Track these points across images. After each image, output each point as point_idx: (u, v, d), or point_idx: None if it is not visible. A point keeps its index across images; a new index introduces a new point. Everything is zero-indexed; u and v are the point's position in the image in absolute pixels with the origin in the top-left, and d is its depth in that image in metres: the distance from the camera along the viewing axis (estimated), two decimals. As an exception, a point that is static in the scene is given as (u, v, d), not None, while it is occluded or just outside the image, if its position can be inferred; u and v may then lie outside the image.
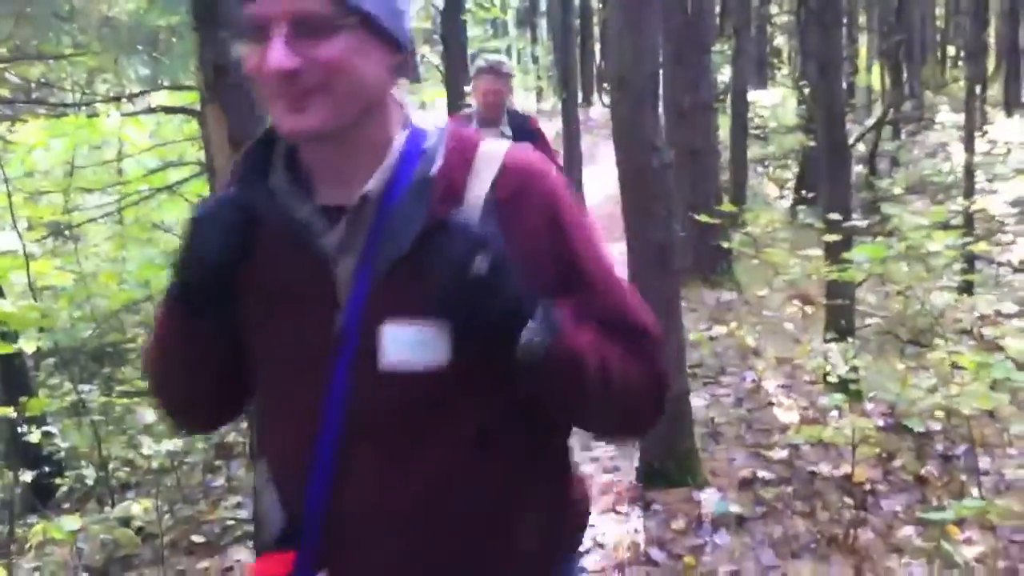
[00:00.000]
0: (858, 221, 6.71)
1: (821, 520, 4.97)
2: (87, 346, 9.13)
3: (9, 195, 5.74)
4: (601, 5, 31.68)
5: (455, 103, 12.22)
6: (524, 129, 6.22)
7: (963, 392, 5.14)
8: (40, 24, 5.87)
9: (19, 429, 6.65)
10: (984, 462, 5.60)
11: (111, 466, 6.66)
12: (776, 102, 21.35)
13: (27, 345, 6.61)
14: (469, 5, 16.30)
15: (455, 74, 12.38)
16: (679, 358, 5.49)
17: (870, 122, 16.96)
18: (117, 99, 8.37)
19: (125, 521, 5.85)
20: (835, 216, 6.20)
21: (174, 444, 5.95)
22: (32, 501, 7.52)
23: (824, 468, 5.62)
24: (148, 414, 5.89)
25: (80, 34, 6.52)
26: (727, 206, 8.42)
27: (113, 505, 6.16)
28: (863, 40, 25.30)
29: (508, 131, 6.15)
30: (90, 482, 6.89)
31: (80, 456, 7.18)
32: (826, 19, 6.80)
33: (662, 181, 5.23)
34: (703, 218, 7.72)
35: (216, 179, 3.25)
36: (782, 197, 17.19)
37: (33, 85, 10.86)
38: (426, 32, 16.83)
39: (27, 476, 7.42)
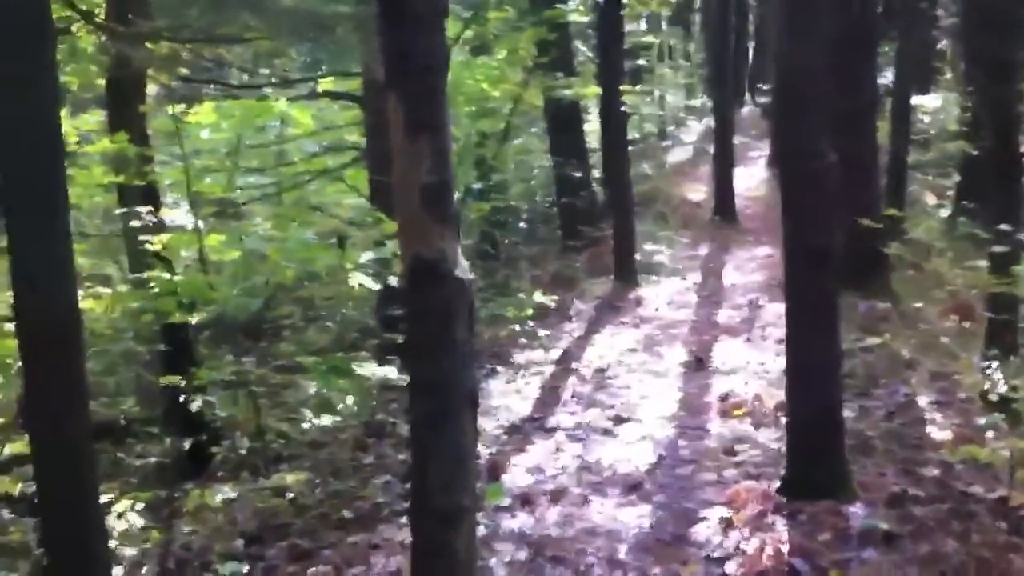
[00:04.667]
0: (1028, 234, 6.44)
1: (973, 543, 4.80)
2: (239, 320, 9.49)
3: (187, 172, 6.03)
4: (757, 3, 31.10)
5: (611, 99, 12.19)
6: None
7: None
8: (226, 8, 6.16)
9: (181, 398, 6.98)
10: None
11: (264, 438, 6.91)
12: (938, 106, 20.55)
13: (194, 316, 6.93)
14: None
15: (612, 70, 12.37)
16: (834, 367, 5.39)
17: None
18: (289, 83, 8.66)
19: (279, 491, 6.10)
20: (1005, 227, 5.97)
21: (330, 420, 6.15)
22: (188, 468, 7.89)
23: (978, 489, 5.41)
24: (309, 387, 6.11)
25: (253, 19, 6.78)
26: (891, 212, 8.18)
27: (268, 476, 6.42)
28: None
29: None
30: (243, 452, 7.17)
31: (235, 426, 7.49)
32: (1001, 21, 6.55)
33: (825, 184, 5.14)
34: (866, 223, 7.52)
35: (392, 165, 3.34)
36: (941, 206, 16.57)
37: (208, 66, 11.34)
38: (580, 26, 16.78)
39: (185, 444, 7.78)
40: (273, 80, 11.26)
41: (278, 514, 5.92)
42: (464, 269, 3.35)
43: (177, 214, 7.55)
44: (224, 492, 6.15)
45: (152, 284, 6.29)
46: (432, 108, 3.21)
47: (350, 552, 5.27)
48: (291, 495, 6.06)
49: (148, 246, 6.81)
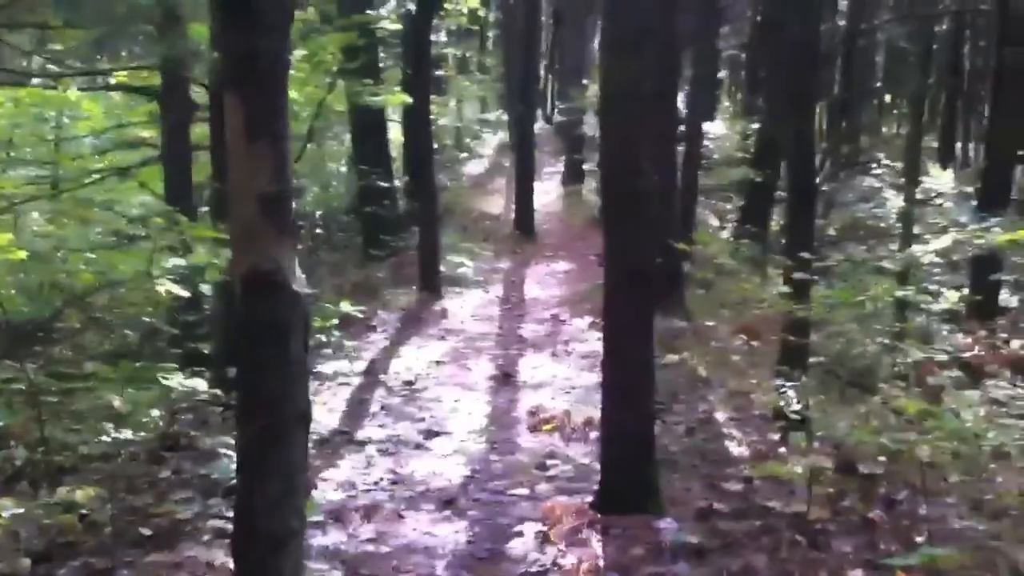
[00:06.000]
0: (827, 262, 6.81)
1: (778, 556, 4.99)
2: (19, 324, 8.80)
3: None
4: (553, 22, 31.70)
5: (420, 109, 12.18)
6: None
7: (912, 440, 5.23)
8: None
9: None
10: (929, 508, 5.67)
11: (47, 448, 6.42)
12: (721, 134, 21.65)
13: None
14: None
15: (421, 80, 12.39)
16: (649, 384, 5.50)
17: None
18: (82, 73, 8.13)
19: (67, 507, 5.65)
20: (804, 255, 6.28)
21: (129, 432, 5.77)
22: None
23: (777, 504, 5.64)
24: (102, 396, 5.72)
25: (53, 6, 6.32)
26: (702, 236, 8.52)
27: (50, 489, 5.94)
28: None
29: None
30: (19, 463, 6.64)
31: (10, 436, 6.93)
32: (805, 58, 6.90)
33: (647, 204, 5.24)
34: (681, 246, 7.79)
35: (231, 166, 3.14)
36: (723, 228, 17.41)
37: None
38: (383, 33, 16.61)
39: (-51, 454, 7.11)
40: (50, 68, 10.54)
41: (67, 532, 5.49)
42: (301, 282, 3.20)
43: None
44: (8, 508, 5.64)
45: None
46: (275, 114, 3.04)
47: (149, 572, 4.95)
48: (82, 511, 5.63)
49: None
